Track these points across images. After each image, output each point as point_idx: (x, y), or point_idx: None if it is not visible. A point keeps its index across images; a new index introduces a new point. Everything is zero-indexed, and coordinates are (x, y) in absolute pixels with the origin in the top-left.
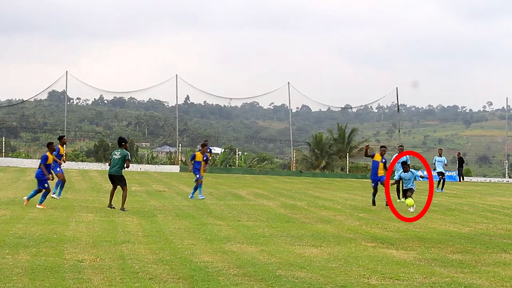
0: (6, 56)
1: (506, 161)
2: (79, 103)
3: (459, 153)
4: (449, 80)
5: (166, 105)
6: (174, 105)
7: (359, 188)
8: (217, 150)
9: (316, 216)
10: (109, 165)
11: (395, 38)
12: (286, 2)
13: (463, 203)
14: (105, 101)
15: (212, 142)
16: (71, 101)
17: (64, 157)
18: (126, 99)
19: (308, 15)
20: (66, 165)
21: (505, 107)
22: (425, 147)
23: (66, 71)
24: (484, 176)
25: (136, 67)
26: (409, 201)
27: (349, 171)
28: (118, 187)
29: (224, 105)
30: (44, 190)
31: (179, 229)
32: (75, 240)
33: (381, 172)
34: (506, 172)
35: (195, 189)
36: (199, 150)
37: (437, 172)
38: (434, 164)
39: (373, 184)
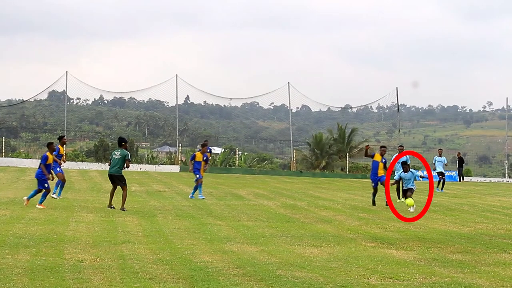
0: (6, 56)
1: (506, 161)
2: (79, 103)
3: (459, 153)
4: (449, 80)
5: (166, 105)
6: (174, 105)
7: (359, 188)
8: (217, 150)
9: (316, 216)
10: (109, 165)
11: (395, 38)
12: (286, 2)
13: (463, 203)
14: (105, 101)
15: (212, 142)
16: (71, 101)
17: (64, 157)
18: (126, 99)
19: (308, 15)
20: (66, 165)
21: (505, 107)
22: (425, 147)
23: (66, 71)
24: (484, 176)
25: (136, 67)
26: (409, 201)
27: (349, 171)
28: (118, 187)
29: (224, 105)
30: (44, 190)
31: (179, 229)
32: (75, 240)
33: (381, 172)
34: (506, 172)
35: (195, 189)
36: (199, 150)
37: (437, 172)
38: (434, 164)
39: (373, 184)
